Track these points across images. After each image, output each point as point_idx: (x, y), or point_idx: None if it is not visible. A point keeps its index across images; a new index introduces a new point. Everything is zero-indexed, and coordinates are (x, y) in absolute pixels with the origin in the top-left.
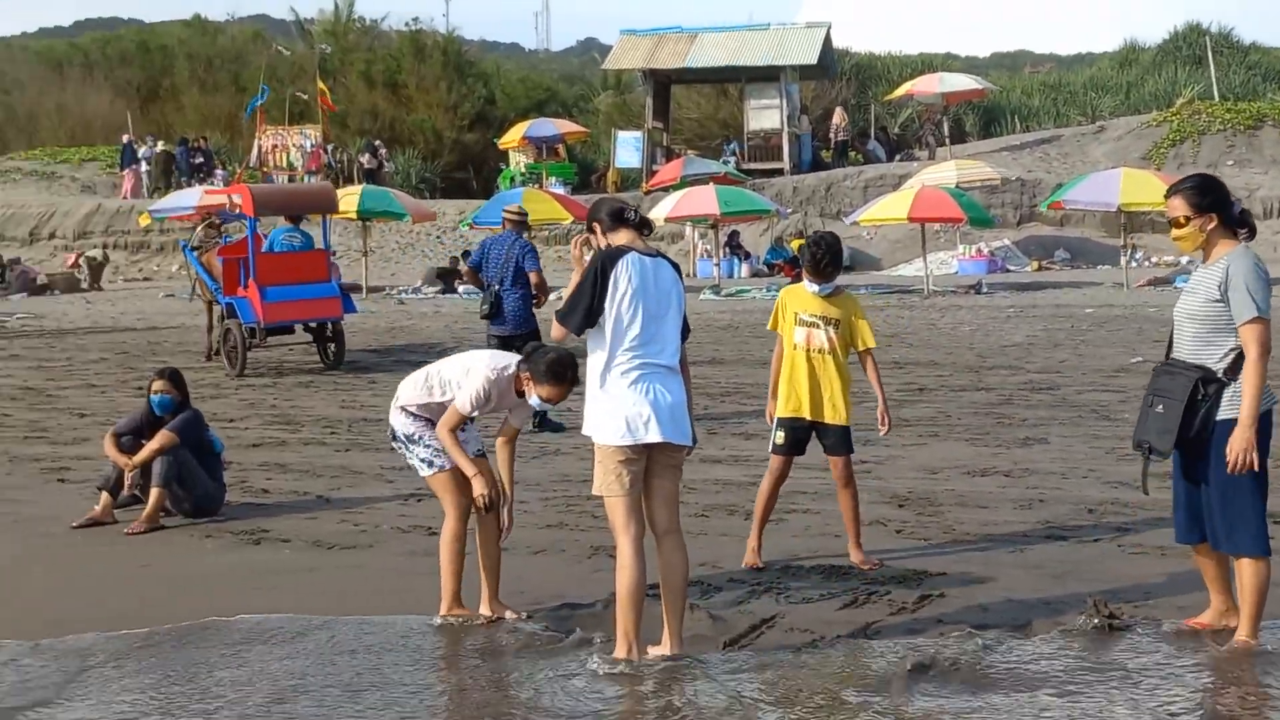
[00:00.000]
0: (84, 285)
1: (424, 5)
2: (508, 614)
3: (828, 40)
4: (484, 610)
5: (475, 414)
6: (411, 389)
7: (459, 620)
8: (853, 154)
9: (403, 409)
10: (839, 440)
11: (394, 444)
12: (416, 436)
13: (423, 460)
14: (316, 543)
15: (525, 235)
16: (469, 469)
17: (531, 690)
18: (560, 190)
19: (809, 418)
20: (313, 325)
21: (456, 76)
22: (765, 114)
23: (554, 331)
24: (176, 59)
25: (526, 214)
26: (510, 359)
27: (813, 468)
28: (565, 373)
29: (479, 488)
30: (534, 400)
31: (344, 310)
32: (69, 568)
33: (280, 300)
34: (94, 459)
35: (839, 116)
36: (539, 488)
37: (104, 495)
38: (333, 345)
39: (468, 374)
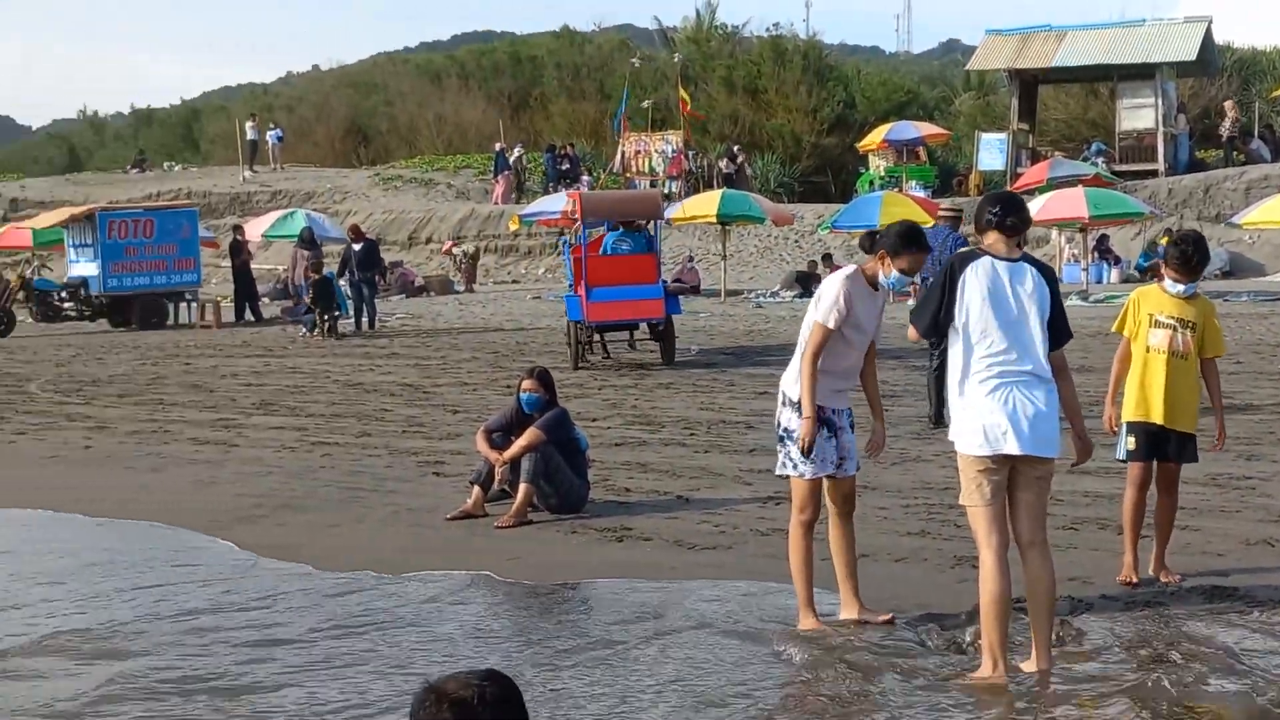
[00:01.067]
0: (457, 283)
1: (785, 10)
2: (877, 617)
3: (1208, 35)
4: (845, 615)
5: (838, 325)
6: (788, 375)
7: (816, 634)
8: (1235, 154)
9: (787, 402)
10: (1188, 449)
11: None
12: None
13: (788, 458)
14: (677, 542)
15: (958, 231)
16: (808, 409)
17: (893, 704)
18: (920, 193)
19: (1161, 423)
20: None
21: (816, 81)
22: (1139, 113)
23: (909, 332)
24: (545, 69)
25: (961, 211)
26: (851, 265)
27: (1192, 482)
28: (918, 237)
29: (806, 434)
30: (892, 277)
31: (668, 311)
32: (447, 559)
33: (605, 300)
34: (467, 454)
35: (1231, 109)
36: (900, 494)
37: (476, 489)
38: (662, 344)
39: (820, 298)
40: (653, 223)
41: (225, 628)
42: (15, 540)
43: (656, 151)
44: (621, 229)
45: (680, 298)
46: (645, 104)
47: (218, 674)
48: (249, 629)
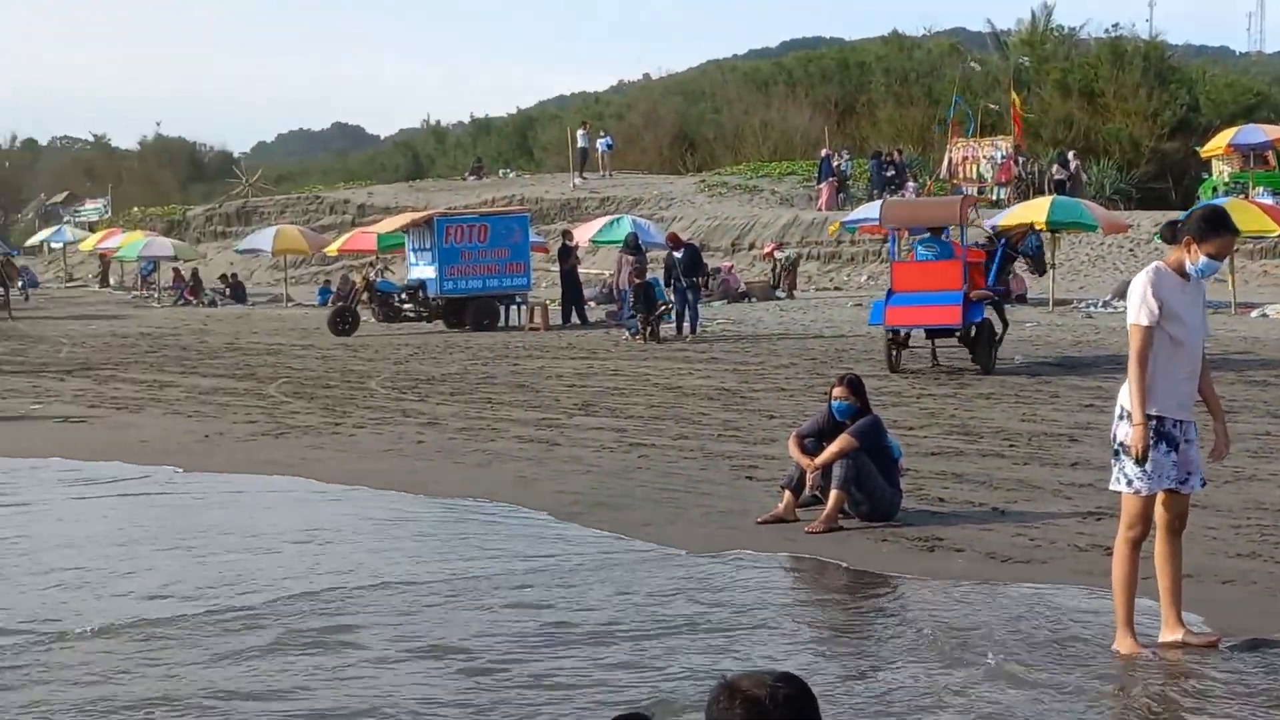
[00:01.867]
0: (778, 289)
1: (1126, 11)
2: (1201, 640)
3: None
4: (1167, 636)
5: (1153, 321)
6: (1124, 388)
7: (1133, 655)
8: None
9: (1123, 415)
10: None
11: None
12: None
13: (1122, 473)
14: (990, 555)
15: None
16: (1138, 415)
17: None
18: (1269, 200)
19: None
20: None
21: (1157, 83)
22: None
23: None
24: (873, 74)
25: None
26: (1157, 262)
27: None
28: (1224, 219)
29: (1137, 440)
30: (1200, 263)
31: (968, 319)
32: None
33: (904, 305)
34: (779, 459)
35: None
36: (1230, 514)
37: (787, 494)
38: (974, 351)
39: (1129, 301)
40: (958, 229)
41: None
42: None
43: (985, 158)
44: (929, 235)
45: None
46: (993, 106)
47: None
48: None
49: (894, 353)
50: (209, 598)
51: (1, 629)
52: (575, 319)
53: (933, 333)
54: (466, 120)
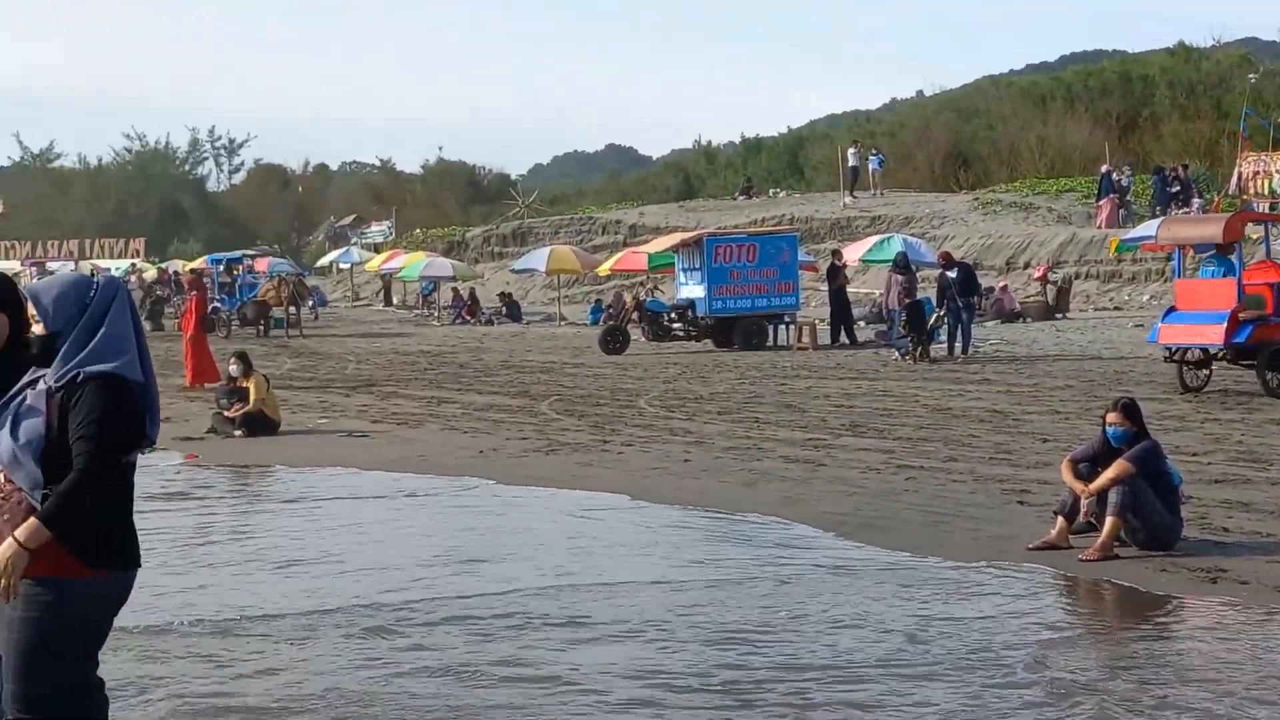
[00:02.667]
0: (1053, 309)
1: None
2: None
3: None
4: None
5: None
6: None
7: None
8: None
9: None
10: None
11: None
12: None
13: None
14: (1278, 588)
15: None
16: None
17: None
18: None
19: None
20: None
21: None
22: None
23: None
24: (1157, 87)
25: None
26: None
27: None
28: None
29: None
30: None
31: (1233, 339)
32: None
33: (1178, 323)
34: (1053, 484)
35: None
36: None
37: (1060, 520)
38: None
39: None
40: (1237, 246)
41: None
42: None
43: (1278, 172)
44: (1215, 253)
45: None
46: (1275, 118)
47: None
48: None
49: (1183, 372)
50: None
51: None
52: (844, 338)
53: (1213, 352)
54: (737, 140)
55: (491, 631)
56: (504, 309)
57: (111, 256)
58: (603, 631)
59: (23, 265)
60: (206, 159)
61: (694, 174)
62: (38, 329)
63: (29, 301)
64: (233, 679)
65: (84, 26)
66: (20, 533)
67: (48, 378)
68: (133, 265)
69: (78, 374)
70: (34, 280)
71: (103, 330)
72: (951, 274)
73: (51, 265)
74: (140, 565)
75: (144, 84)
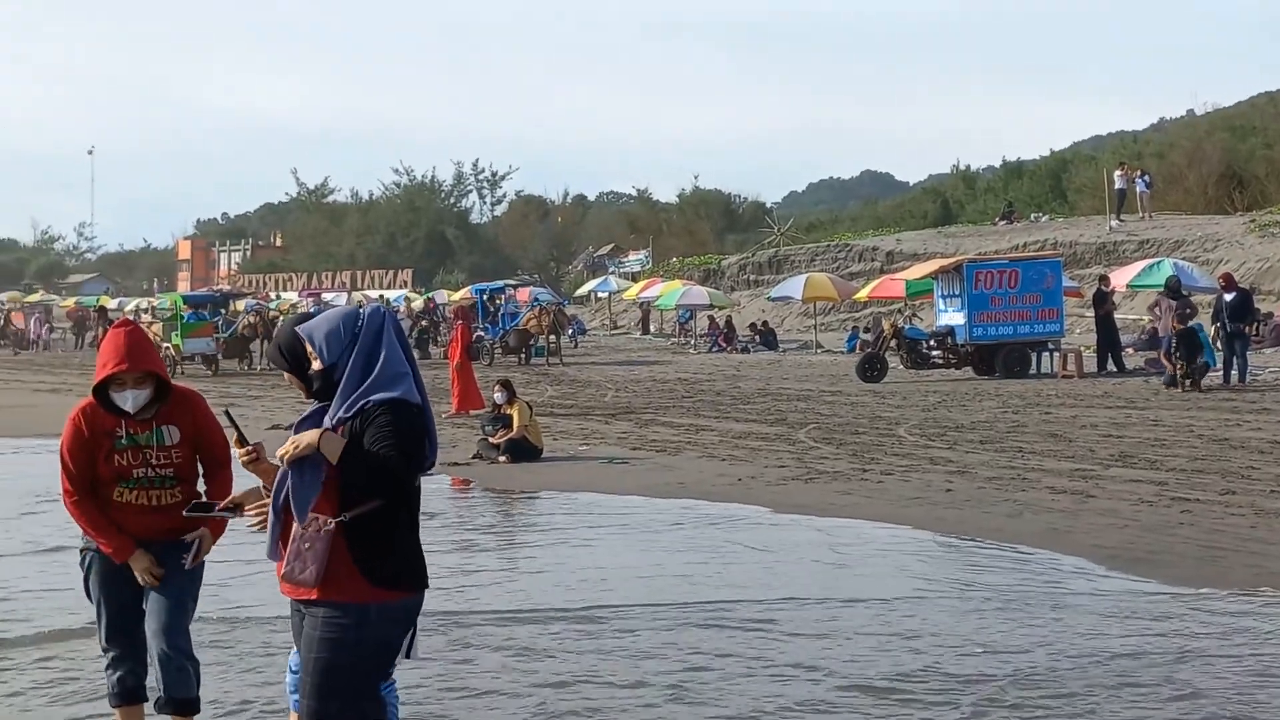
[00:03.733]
0: None
1: None
2: None
3: None
4: None
5: None
6: None
7: None
8: None
9: None
10: None
11: None
12: None
13: None
14: None
15: None
16: None
17: None
18: None
19: None
20: None
21: None
22: None
23: None
24: None
25: None
26: None
27: None
28: None
29: None
30: None
31: None
32: None
33: None
34: None
35: None
36: None
37: None
38: None
39: None
40: None
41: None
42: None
43: None
44: None
45: None
46: None
47: None
48: None
49: None
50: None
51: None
52: (1111, 366)
53: None
54: (997, 164)
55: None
56: (759, 337)
57: (381, 287)
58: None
59: (299, 296)
60: (470, 191)
61: (952, 199)
62: (316, 365)
63: (305, 341)
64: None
65: (355, 66)
66: (325, 437)
67: (332, 409)
68: (405, 297)
69: (365, 402)
70: (310, 310)
71: (380, 360)
72: (1228, 297)
73: (326, 296)
74: (428, 587)
75: (412, 120)
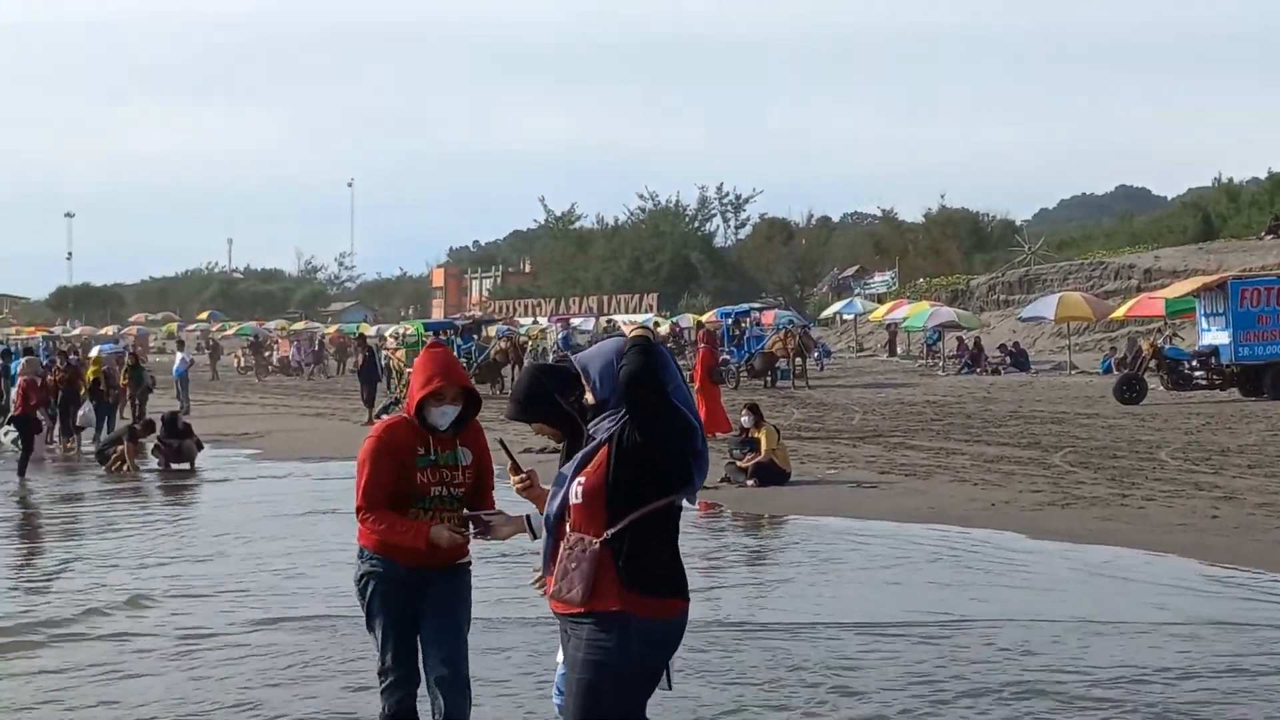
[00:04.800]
0: None
1: None
2: None
3: None
4: None
5: None
6: None
7: None
8: None
9: None
10: None
11: None
12: None
13: None
14: None
15: None
16: None
17: None
18: None
19: None
20: None
21: None
22: None
23: None
24: None
25: None
26: None
27: None
28: None
29: None
30: None
31: None
32: None
33: None
34: None
35: None
36: None
37: None
38: None
39: None
40: None
41: None
42: None
43: None
44: None
45: None
46: None
47: None
48: None
49: None
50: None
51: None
52: None
53: None
54: (1263, 175)
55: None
56: (1009, 358)
57: (626, 312)
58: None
59: (549, 321)
60: (714, 215)
61: (1214, 213)
62: (589, 398)
63: (580, 374)
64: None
65: (600, 94)
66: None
67: (601, 433)
68: (652, 321)
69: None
70: (557, 335)
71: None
72: None
73: (575, 321)
74: (689, 601)
75: (656, 146)
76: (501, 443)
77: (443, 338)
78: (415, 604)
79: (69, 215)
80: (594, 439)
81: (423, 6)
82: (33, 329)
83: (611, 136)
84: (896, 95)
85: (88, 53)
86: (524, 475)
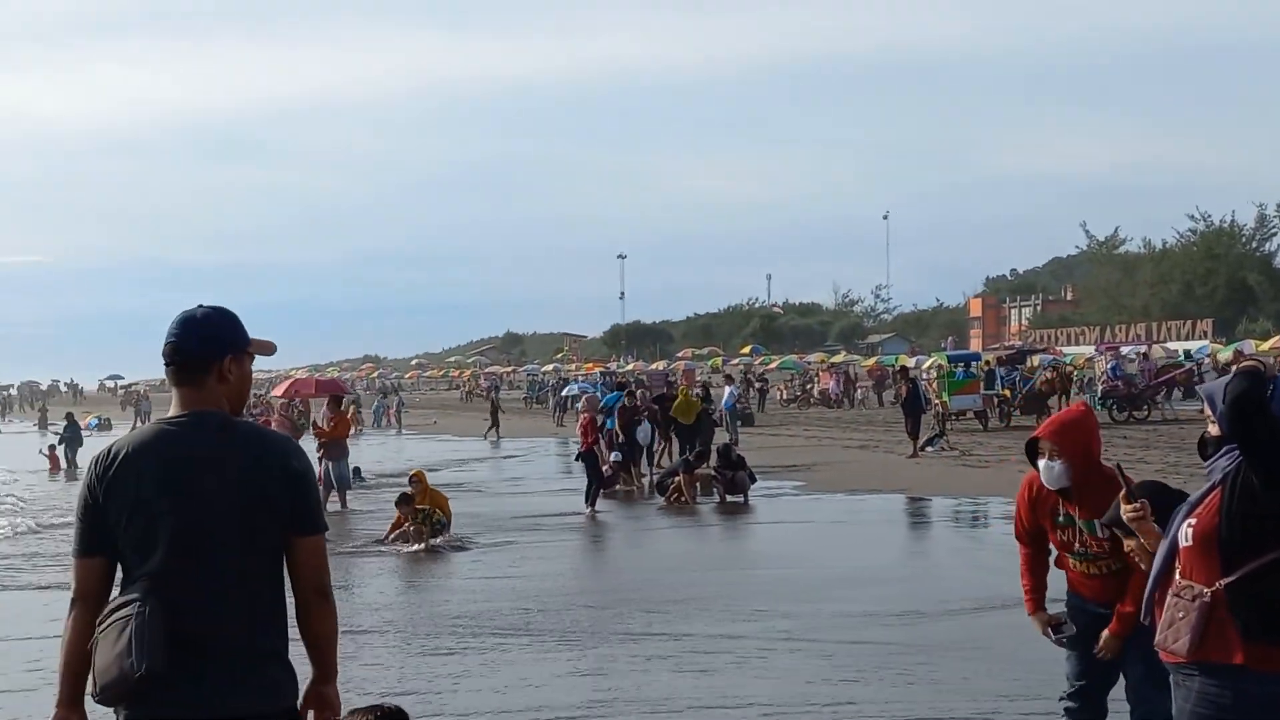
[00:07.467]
0: None
1: None
2: None
3: None
4: None
5: None
6: None
7: None
8: None
9: None
10: None
11: None
12: None
13: None
14: None
15: None
16: None
17: None
18: None
19: None
20: None
21: None
22: None
23: None
24: None
25: None
26: None
27: None
28: None
29: None
30: None
31: None
32: None
33: None
34: None
35: None
36: None
37: None
38: None
39: None
40: None
41: None
42: None
43: None
44: None
45: None
46: None
47: None
48: None
49: None
50: None
51: None
52: None
53: None
54: None
55: None
56: None
57: (1178, 339)
58: None
59: (1096, 350)
60: (1275, 234)
61: None
62: (1211, 430)
63: (1204, 402)
64: None
65: (1144, 115)
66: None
67: (1217, 471)
68: (1209, 348)
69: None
70: (1106, 364)
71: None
72: None
73: (1124, 350)
74: None
75: (1206, 164)
76: (1119, 467)
77: (966, 370)
78: (1095, 639)
79: (621, 257)
80: (1211, 476)
81: (958, 36)
82: (590, 365)
83: (1157, 156)
84: None
85: (646, 110)
86: (1138, 504)
